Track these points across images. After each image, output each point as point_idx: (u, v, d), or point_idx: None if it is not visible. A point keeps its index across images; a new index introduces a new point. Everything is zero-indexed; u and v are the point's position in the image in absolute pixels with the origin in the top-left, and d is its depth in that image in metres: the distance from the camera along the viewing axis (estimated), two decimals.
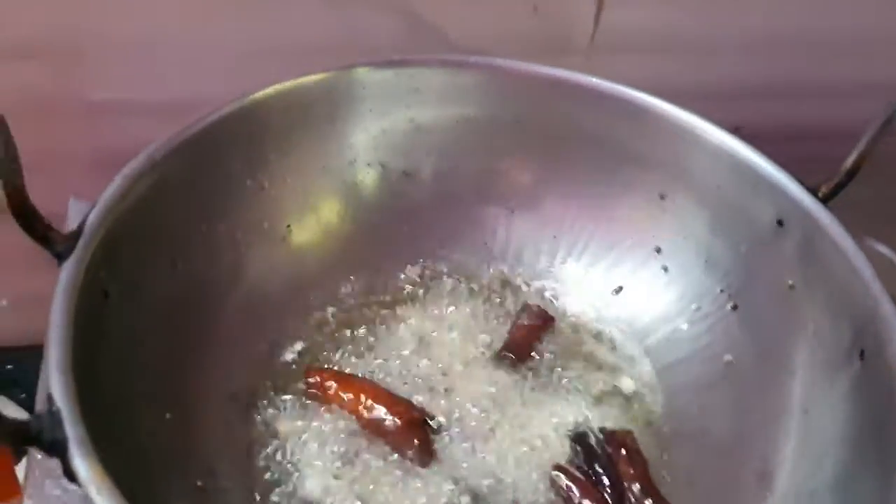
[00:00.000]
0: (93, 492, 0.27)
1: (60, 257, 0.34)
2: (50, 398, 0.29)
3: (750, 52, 0.63)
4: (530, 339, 0.47)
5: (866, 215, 0.58)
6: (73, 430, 0.28)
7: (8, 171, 0.31)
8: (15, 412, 0.55)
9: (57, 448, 0.28)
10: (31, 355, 0.51)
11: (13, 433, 0.28)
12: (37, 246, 0.34)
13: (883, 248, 0.61)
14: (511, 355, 0.46)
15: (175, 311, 0.39)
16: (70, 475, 0.28)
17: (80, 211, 0.52)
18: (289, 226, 0.46)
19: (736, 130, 0.67)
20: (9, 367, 0.60)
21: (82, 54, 0.52)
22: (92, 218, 0.35)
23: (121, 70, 0.54)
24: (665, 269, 0.48)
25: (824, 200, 0.42)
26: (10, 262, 0.52)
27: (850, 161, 0.42)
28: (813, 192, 0.42)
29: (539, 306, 0.48)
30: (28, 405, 0.56)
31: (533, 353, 0.46)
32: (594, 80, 0.47)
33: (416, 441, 0.40)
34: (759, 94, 0.66)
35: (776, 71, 0.65)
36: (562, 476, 0.40)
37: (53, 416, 0.29)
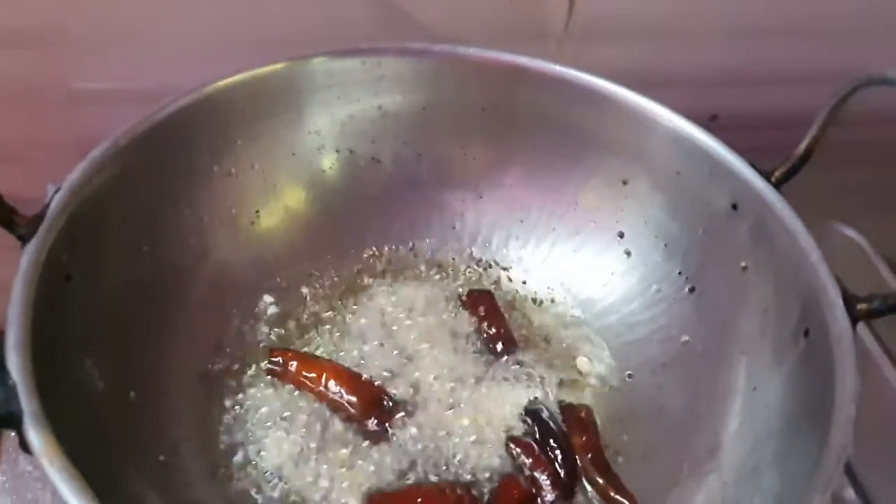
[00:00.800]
0: (45, 463, 0.29)
1: (23, 240, 0.35)
2: (6, 373, 0.30)
3: (725, 41, 0.63)
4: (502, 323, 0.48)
5: (833, 200, 0.59)
6: (27, 404, 0.30)
7: None
8: None
9: (13, 420, 0.30)
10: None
11: None
12: (2, 232, 0.36)
13: (851, 232, 0.62)
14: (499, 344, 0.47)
15: (140, 294, 0.41)
16: (25, 447, 0.30)
17: None
18: (257, 211, 0.47)
19: (712, 119, 0.68)
20: None
21: (65, 44, 0.53)
22: (55, 202, 0.36)
23: (102, 59, 0.55)
24: (627, 253, 0.49)
25: (777, 184, 0.43)
26: None
27: (802, 146, 0.43)
28: (766, 176, 0.43)
29: (476, 291, 0.49)
30: None
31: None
32: (556, 68, 0.48)
33: (374, 419, 0.41)
34: (734, 82, 0.66)
35: (751, 59, 0.65)
36: (514, 447, 0.41)
37: (9, 389, 0.30)
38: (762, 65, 0.66)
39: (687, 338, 0.46)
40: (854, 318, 0.37)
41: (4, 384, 0.30)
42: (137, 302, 0.41)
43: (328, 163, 0.49)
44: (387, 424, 0.42)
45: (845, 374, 0.35)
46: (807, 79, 0.67)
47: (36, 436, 0.29)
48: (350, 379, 0.42)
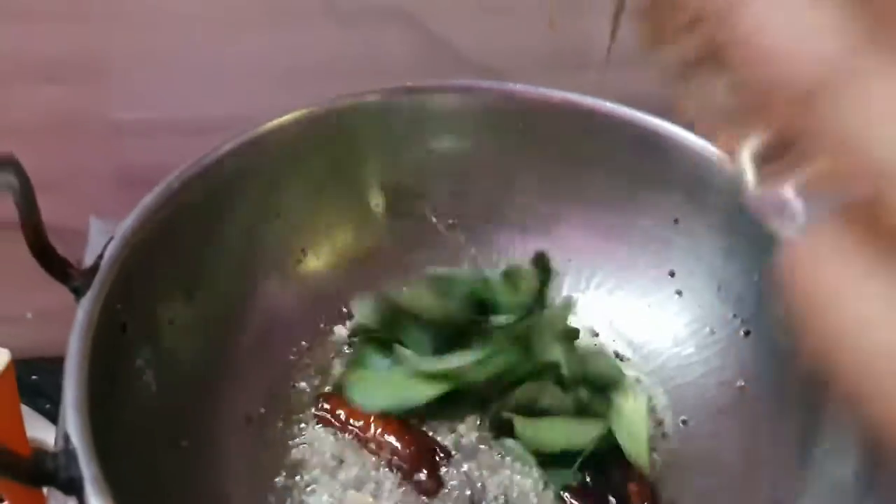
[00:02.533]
0: None
1: (78, 293, 0.35)
2: (66, 437, 0.30)
3: None
4: None
5: None
6: (88, 469, 0.29)
7: (28, 213, 0.32)
8: (40, 423, 0.57)
9: (73, 486, 0.29)
10: (56, 367, 0.53)
11: (31, 472, 0.29)
12: None
13: None
14: None
15: (191, 340, 0.40)
16: None
17: (99, 230, 0.54)
18: (303, 250, 0.47)
19: None
20: (34, 377, 0.61)
21: (106, 75, 0.53)
22: (109, 252, 0.36)
23: (143, 90, 0.55)
24: (679, 292, 0.48)
25: None
26: (34, 275, 0.54)
27: None
28: None
29: None
30: (52, 415, 0.58)
31: None
32: (608, 105, 0.47)
33: (425, 469, 0.40)
34: None
35: None
36: (570, 497, 0.41)
37: (69, 454, 0.29)
38: None
39: (743, 383, 0.45)
40: None
41: (65, 449, 0.29)
42: (187, 348, 0.40)
43: (375, 201, 0.49)
44: (438, 474, 0.41)
45: None
46: None
47: (97, 502, 0.29)
48: (399, 428, 0.42)
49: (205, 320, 0.41)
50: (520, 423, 0.41)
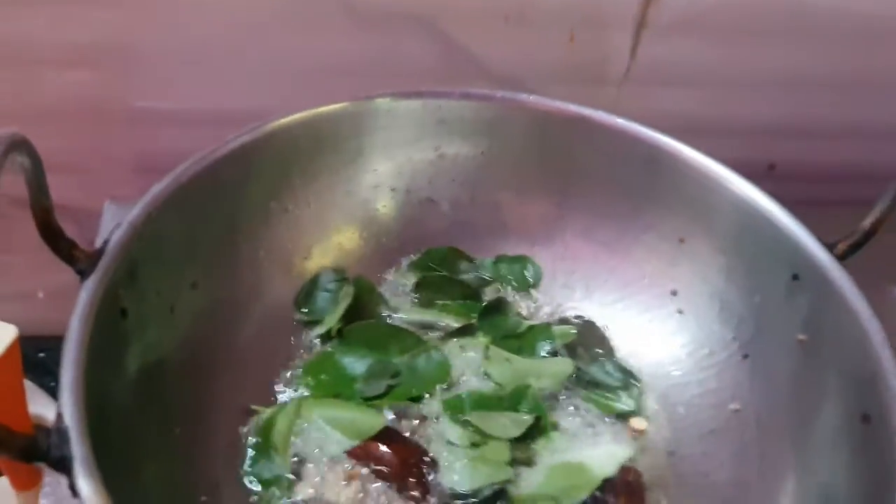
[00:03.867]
0: None
1: (83, 274, 0.35)
2: (59, 416, 0.30)
3: (787, 91, 0.63)
4: None
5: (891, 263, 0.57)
6: (78, 449, 0.30)
7: (37, 194, 0.33)
8: (43, 400, 0.57)
9: (63, 465, 0.30)
10: (62, 344, 0.53)
11: (24, 449, 0.29)
12: None
13: None
14: None
15: (193, 329, 0.41)
16: (75, 491, 0.30)
17: (114, 214, 0.54)
18: (310, 247, 0.47)
19: (770, 168, 0.67)
20: (41, 354, 0.62)
21: (131, 63, 0.54)
22: (115, 238, 0.36)
23: (166, 80, 0.56)
24: (680, 311, 0.48)
25: (841, 258, 0.42)
26: (47, 255, 0.55)
27: (868, 222, 0.42)
28: (830, 249, 0.42)
29: None
30: (56, 392, 0.58)
31: None
32: (619, 121, 0.47)
33: (412, 477, 0.41)
34: (794, 133, 0.65)
35: (812, 110, 0.64)
36: None
37: (61, 433, 0.30)
38: (822, 116, 0.65)
39: (737, 406, 0.45)
40: None
41: (57, 428, 0.30)
42: (188, 336, 0.41)
43: (383, 202, 0.49)
44: (425, 480, 0.41)
45: None
46: (868, 132, 0.66)
47: (85, 483, 0.29)
48: (388, 433, 0.42)
49: (207, 311, 0.42)
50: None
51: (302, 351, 0.46)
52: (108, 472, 0.30)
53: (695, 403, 0.46)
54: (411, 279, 0.49)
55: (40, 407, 0.56)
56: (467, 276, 0.50)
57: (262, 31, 0.54)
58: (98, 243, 0.51)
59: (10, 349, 0.43)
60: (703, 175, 0.46)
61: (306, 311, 0.46)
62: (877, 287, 0.42)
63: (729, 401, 0.45)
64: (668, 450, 0.45)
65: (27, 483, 0.48)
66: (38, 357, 0.62)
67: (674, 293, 0.48)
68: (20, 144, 0.28)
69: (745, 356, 0.45)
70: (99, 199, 0.58)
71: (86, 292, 0.34)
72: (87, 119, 0.56)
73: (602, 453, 0.43)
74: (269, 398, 0.44)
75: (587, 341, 0.48)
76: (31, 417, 0.49)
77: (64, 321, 0.59)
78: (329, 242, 0.48)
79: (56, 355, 0.62)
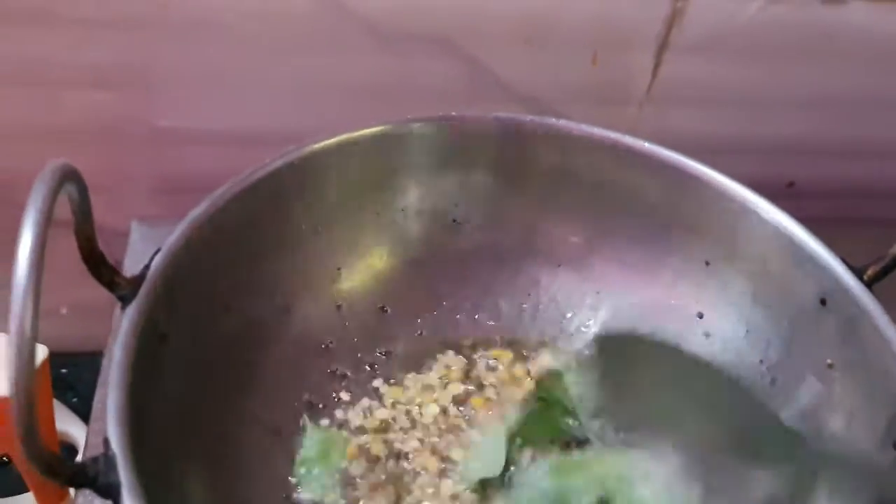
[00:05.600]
0: None
1: (124, 300, 0.35)
2: (106, 443, 0.31)
3: (807, 109, 0.63)
4: None
5: None
6: (125, 476, 0.30)
7: (82, 224, 0.33)
8: (67, 416, 0.58)
9: (111, 492, 0.30)
10: (85, 361, 0.54)
11: (73, 477, 0.30)
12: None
13: None
14: None
15: (226, 352, 0.41)
16: None
17: (142, 234, 0.55)
18: (339, 269, 0.48)
19: (789, 186, 0.67)
20: (63, 371, 0.63)
21: (152, 84, 0.55)
22: (155, 263, 0.37)
23: (186, 101, 0.56)
24: (706, 335, 0.48)
25: (869, 284, 0.42)
26: (69, 272, 0.55)
27: None
28: (858, 274, 0.42)
29: None
30: (79, 409, 0.59)
31: None
32: (647, 146, 0.47)
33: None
34: (814, 151, 0.66)
35: (832, 128, 0.65)
36: None
37: (109, 460, 0.30)
38: (843, 134, 0.65)
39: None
40: None
41: (105, 455, 0.30)
42: (221, 359, 0.41)
43: (411, 223, 0.49)
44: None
45: None
46: (889, 152, 0.67)
47: None
48: None
49: (239, 333, 0.42)
50: None
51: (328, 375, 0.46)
52: (154, 496, 0.30)
53: None
54: None
55: (65, 424, 0.57)
56: None
57: (284, 53, 0.54)
58: (128, 262, 0.52)
59: (40, 369, 0.43)
60: (729, 199, 0.46)
61: None
62: None
63: None
64: None
65: (53, 500, 0.48)
66: (60, 373, 0.62)
67: (700, 316, 0.49)
68: (71, 175, 0.29)
69: (773, 381, 0.45)
70: (122, 218, 0.58)
71: (128, 320, 0.34)
72: (109, 139, 0.57)
73: None
74: (298, 419, 0.44)
75: None
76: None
77: (87, 337, 0.60)
78: (357, 264, 0.48)
79: (78, 371, 0.62)
